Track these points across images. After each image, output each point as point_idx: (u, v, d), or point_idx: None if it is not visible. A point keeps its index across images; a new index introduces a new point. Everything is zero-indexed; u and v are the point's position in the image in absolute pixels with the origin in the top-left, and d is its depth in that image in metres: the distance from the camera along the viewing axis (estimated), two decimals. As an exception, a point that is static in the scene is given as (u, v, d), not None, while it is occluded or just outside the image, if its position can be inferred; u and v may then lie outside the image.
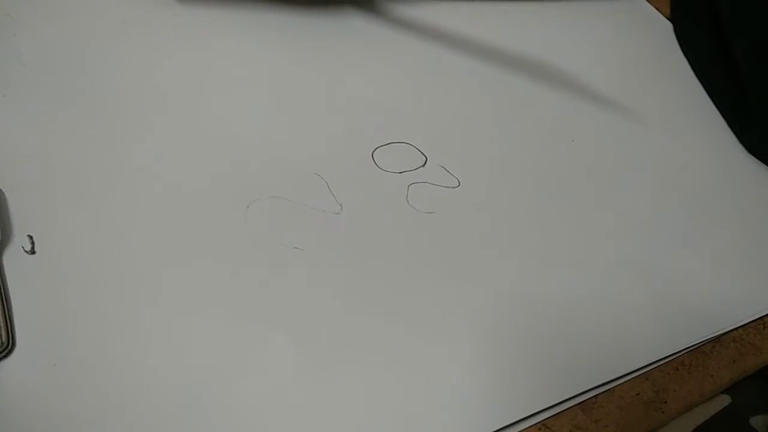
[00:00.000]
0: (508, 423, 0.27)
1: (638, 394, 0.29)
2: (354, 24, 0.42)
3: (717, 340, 0.32)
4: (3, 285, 0.27)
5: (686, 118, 0.42)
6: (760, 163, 0.40)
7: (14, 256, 0.28)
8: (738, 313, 0.33)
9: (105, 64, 0.36)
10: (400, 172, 0.35)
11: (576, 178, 0.37)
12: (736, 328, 0.32)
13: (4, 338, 0.26)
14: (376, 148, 0.36)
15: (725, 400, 0.32)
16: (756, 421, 0.32)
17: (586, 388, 0.28)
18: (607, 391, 0.29)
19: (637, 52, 0.46)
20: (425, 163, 0.36)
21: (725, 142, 0.41)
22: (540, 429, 0.27)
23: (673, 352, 0.31)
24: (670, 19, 0.49)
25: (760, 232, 0.36)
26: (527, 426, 0.27)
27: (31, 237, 0.29)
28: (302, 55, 0.39)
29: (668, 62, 0.46)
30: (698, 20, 0.46)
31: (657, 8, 0.49)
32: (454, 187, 0.35)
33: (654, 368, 0.30)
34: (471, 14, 0.45)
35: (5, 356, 0.26)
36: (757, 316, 0.33)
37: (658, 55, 0.46)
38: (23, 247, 0.29)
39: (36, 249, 0.29)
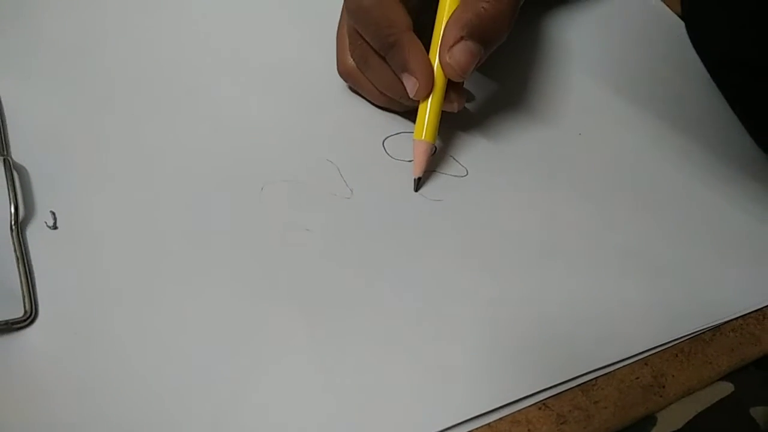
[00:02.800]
0: (510, 401, 0.28)
1: (637, 378, 0.30)
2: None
3: (717, 329, 0.32)
4: (27, 258, 0.28)
5: (696, 114, 0.42)
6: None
7: (37, 231, 0.29)
8: (739, 304, 0.33)
9: (126, 44, 0.38)
10: (410, 161, 0.35)
11: (582, 170, 0.37)
12: (736, 318, 0.33)
13: (27, 308, 0.27)
14: (387, 137, 0.37)
15: (728, 388, 0.32)
16: (756, 411, 0.33)
17: (587, 371, 0.29)
18: (607, 374, 0.30)
19: (648, 50, 0.46)
20: (434, 153, 0.36)
21: (735, 137, 0.41)
22: (540, 408, 0.28)
23: (673, 338, 0.31)
24: (682, 18, 0.49)
25: (764, 226, 0.37)
26: (528, 405, 0.28)
27: (53, 213, 0.30)
28: (318, 46, 0.40)
29: (680, 60, 0.46)
30: (711, 19, 0.46)
31: (669, 6, 0.50)
32: (462, 176, 0.36)
33: (654, 354, 0.31)
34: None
35: (28, 325, 0.27)
36: (758, 308, 0.33)
37: (671, 52, 0.46)
38: (46, 223, 0.30)
39: (58, 225, 0.30)
